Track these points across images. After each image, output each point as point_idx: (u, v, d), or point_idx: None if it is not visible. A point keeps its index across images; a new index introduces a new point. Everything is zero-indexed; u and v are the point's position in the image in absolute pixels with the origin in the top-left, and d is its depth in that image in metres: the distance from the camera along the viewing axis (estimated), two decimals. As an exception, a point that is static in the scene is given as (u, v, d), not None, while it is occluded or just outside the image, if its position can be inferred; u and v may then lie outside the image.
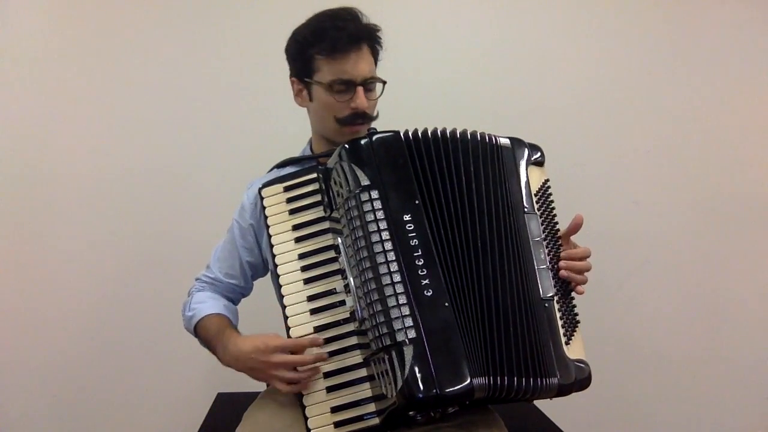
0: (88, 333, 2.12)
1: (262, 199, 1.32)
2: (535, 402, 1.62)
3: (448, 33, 2.16)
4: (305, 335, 1.22)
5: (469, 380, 1.06)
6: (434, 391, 1.04)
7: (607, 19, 2.17)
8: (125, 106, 2.12)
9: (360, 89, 1.35)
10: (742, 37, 2.18)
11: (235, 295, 1.52)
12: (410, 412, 1.09)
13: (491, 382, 1.10)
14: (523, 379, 1.13)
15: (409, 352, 1.06)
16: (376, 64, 1.42)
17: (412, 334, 1.07)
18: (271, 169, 1.49)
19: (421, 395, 1.04)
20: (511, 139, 1.32)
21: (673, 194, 2.18)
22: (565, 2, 2.17)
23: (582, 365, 1.21)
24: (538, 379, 1.14)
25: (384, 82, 1.40)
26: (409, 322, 1.08)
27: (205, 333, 1.39)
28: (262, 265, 1.52)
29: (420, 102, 2.03)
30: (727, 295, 2.18)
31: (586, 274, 1.28)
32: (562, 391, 1.17)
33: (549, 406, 1.59)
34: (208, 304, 1.43)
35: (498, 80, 2.16)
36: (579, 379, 1.19)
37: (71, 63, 2.11)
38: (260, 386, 1.50)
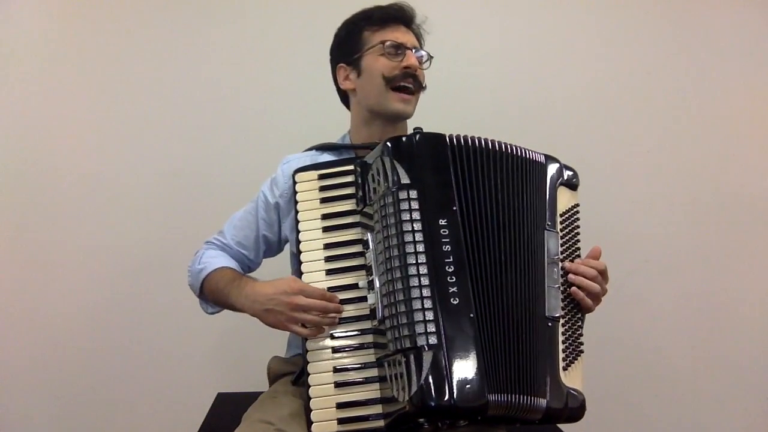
0: (89, 333, 2.10)
1: (295, 183, 1.30)
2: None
3: (446, 32, 2.11)
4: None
5: (485, 395, 1.04)
6: (449, 401, 1.02)
7: (607, 19, 2.16)
8: (128, 106, 2.11)
9: (410, 52, 1.41)
10: (742, 37, 2.17)
11: (243, 265, 1.49)
12: (420, 419, 1.07)
13: (507, 400, 1.08)
14: (512, 396, 1.09)
15: (428, 358, 1.04)
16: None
17: (433, 340, 1.05)
18: (308, 149, 1.48)
19: (433, 404, 1.02)
20: (546, 156, 1.31)
21: (673, 194, 2.17)
22: (564, 2, 2.16)
23: (576, 394, 1.16)
24: (526, 397, 1.10)
25: (431, 57, 1.48)
26: (432, 327, 1.06)
27: (216, 283, 1.38)
28: (278, 243, 1.51)
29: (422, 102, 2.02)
30: (727, 294, 2.16)
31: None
32: (550, 414, 1.13)
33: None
34: (221, 260, 1.43)
35: (497, 80, 2.14)
36: (571, 407, 1.15)
37: (74, 63, 2.11)
38: (260, 386, 1.49)
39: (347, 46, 1.47)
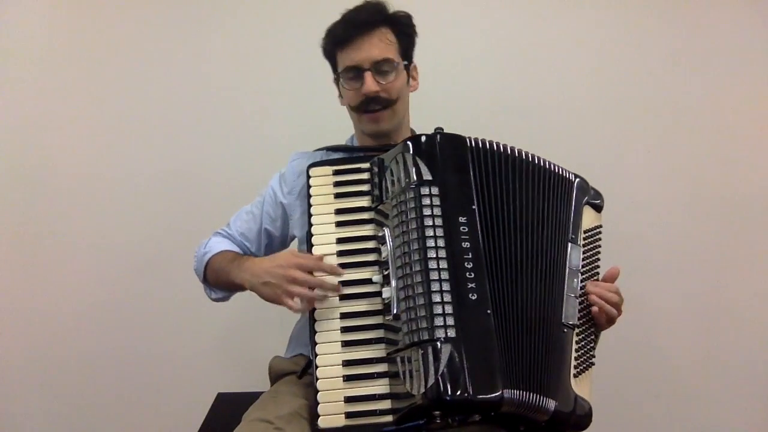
0: (89, 333, 2.08)
1: (309, 177, 1.30)
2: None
3: (446, 31, 2.15)
4: (333, 321, 1.19)
5: (500, 391, 1.05)
6: (464, 395, 1.02)
7: (607, 18, 2.17)
8: (128, 106, 2.11)
9: (368, 74, 1.35)
10: (741, 37, 2.17)
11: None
12: (435, 413, 1.06)
13: (520, 397, 1.08)
14: (525, 393, 1.09)
15: (446, 350, 1.04)
16: (405, 50, 1.43)
17: (451, 333, 1.06)
18: (318, 150, 1.48)
19: (448, 397, 1.02)
20: (576, 175, 1.36)
21: (673, 194, 2.16)
22: (565, 2, 2.17)
23: (583, 402, 1.18)
24: (537, 396, 1.11)
25: (405, 63, 1.41)
26: (450, 321, 1.06)
27: (219, 264, 1.39)
28: (280, 239, 1.52)
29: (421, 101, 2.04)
30: (728, 295, 2.16)
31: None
32: (557, 417, 1.13)
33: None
34: (225, 245, 1.46)
35: (497, 80, 2.15)
36: (578, 414, 1.16)
37: (74, 63, 2.10)
38: (260, 386, 1.48)
39: (331, 65, 1.45)
